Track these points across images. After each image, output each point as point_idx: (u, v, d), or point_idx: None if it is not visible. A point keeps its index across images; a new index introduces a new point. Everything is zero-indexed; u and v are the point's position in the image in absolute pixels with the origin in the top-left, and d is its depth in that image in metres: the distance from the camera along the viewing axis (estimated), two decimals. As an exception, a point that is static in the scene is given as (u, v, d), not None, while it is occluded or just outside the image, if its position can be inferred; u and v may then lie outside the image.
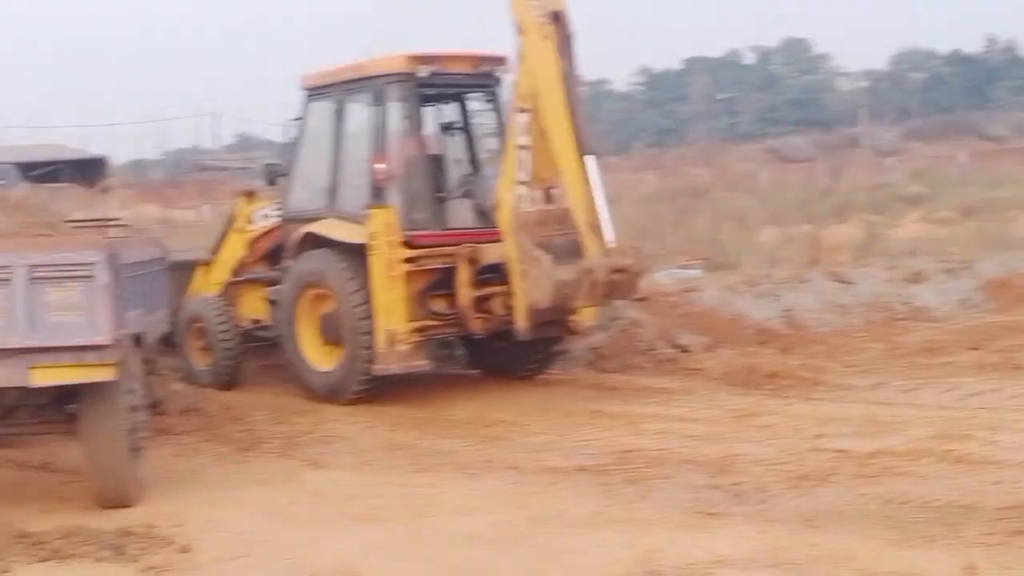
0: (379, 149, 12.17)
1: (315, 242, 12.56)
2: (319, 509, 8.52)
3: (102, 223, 14.05)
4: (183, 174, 61.91)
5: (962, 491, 8.17)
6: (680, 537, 7.46)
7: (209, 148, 69.32)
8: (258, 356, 14.18)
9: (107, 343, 7.98)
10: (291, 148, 13.26)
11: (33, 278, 8.01)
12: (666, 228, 21.46)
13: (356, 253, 12.01)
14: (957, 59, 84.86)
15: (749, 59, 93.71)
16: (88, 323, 7.99)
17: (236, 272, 14.08)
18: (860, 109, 66.45)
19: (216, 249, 14.30)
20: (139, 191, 45.35)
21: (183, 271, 14.32)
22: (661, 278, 17.97)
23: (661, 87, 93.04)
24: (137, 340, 9.12)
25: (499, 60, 12.58)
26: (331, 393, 12.24)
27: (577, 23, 11.48)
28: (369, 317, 11.80)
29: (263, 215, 13.85)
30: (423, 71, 12.16)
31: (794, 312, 16.09)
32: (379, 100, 12.28)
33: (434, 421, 11.36)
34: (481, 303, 12.09)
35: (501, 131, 12.58)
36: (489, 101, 13.03)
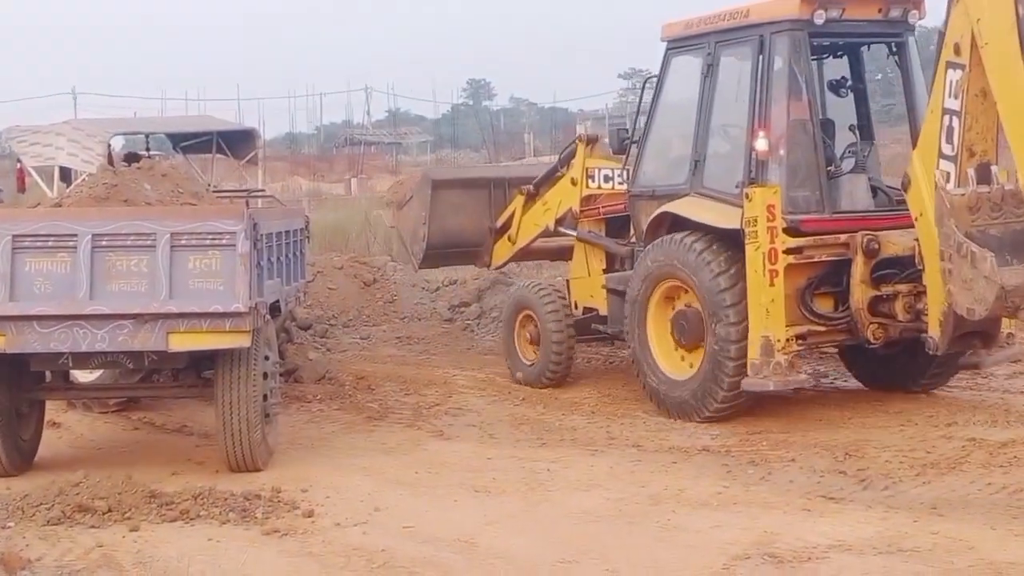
0: (761, 113, 10.12)
1: (673, 224, 10.65)
2: (441, 480, 8.67)
3: (247, 194, 14.42)
4: (334, 148, 63.02)
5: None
6: (799, 520, 7.43)
7: (360, 123, 70.34)
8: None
9: (243, 311, 8.21)
10: (646, 111, 11.40)
11: (175, 245, 8.29)
12: None
13: (726, 240, 10.05)
14: None
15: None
16: (226, 291, 8.25)
17: (560, 221, 12.48)
18: None
19: (540, 184, 12.74)
20: (291, 164, 46.41)
21: (500, 188, 13.44)
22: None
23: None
24: (274, 309, 9.39)
25: (913, 2, 10.43)
26: (684, 407, 10.34)
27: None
28: (741, 320, 9.84)
29: (605, 175, 12.05)
30: (820, 17, 10.04)
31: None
32: (763, 53, 10.21)
33: (559, 397, 11.41)
34: (879, 305, 9.97)
35: (908, 90, 10.77)
36: (894, 54, 10.82)
